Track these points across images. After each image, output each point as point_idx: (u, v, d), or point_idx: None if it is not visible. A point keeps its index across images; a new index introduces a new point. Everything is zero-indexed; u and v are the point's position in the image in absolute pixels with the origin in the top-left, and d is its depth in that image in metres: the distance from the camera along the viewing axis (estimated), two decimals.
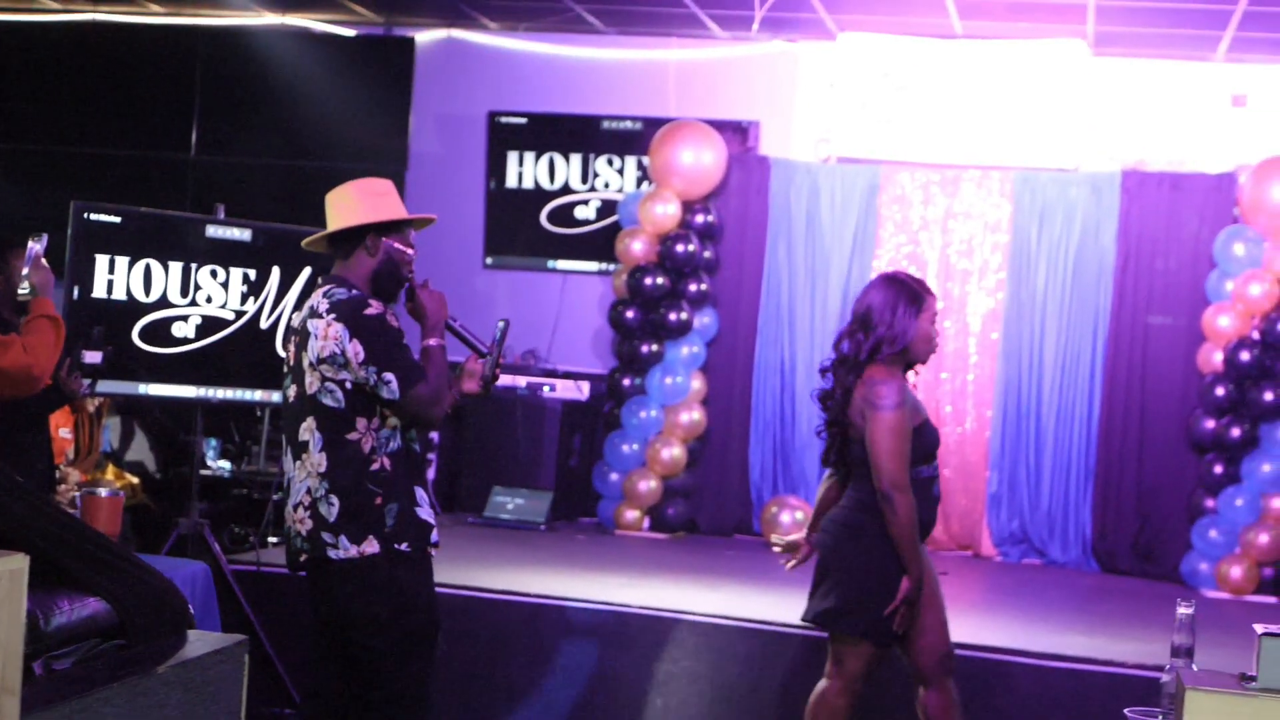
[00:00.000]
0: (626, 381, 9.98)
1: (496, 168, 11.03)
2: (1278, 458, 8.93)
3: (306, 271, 7.41)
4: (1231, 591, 8.75)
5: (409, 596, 4.58)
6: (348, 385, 4.50)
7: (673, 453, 9.90)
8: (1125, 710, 3.38)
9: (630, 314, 9.97)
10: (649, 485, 9.86)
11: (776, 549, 5.56)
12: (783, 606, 7.25)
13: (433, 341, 4.66)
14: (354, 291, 4.59)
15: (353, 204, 4.69)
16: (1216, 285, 9.11)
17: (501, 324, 4.87)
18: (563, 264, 10.92)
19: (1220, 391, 9.02)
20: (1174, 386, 9.40)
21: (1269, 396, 8.92)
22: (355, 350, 4.47)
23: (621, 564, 8.37)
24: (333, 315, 4.51)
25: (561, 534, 9.67)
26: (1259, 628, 2.33)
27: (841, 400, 5.06)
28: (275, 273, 7.37)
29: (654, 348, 9.93)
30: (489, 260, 11.06)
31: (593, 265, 10.83)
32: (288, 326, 4.79)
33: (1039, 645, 6.66)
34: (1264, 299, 8.92)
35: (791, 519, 9.48)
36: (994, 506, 9.80)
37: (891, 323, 4.98)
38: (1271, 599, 8.71)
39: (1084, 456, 9.63)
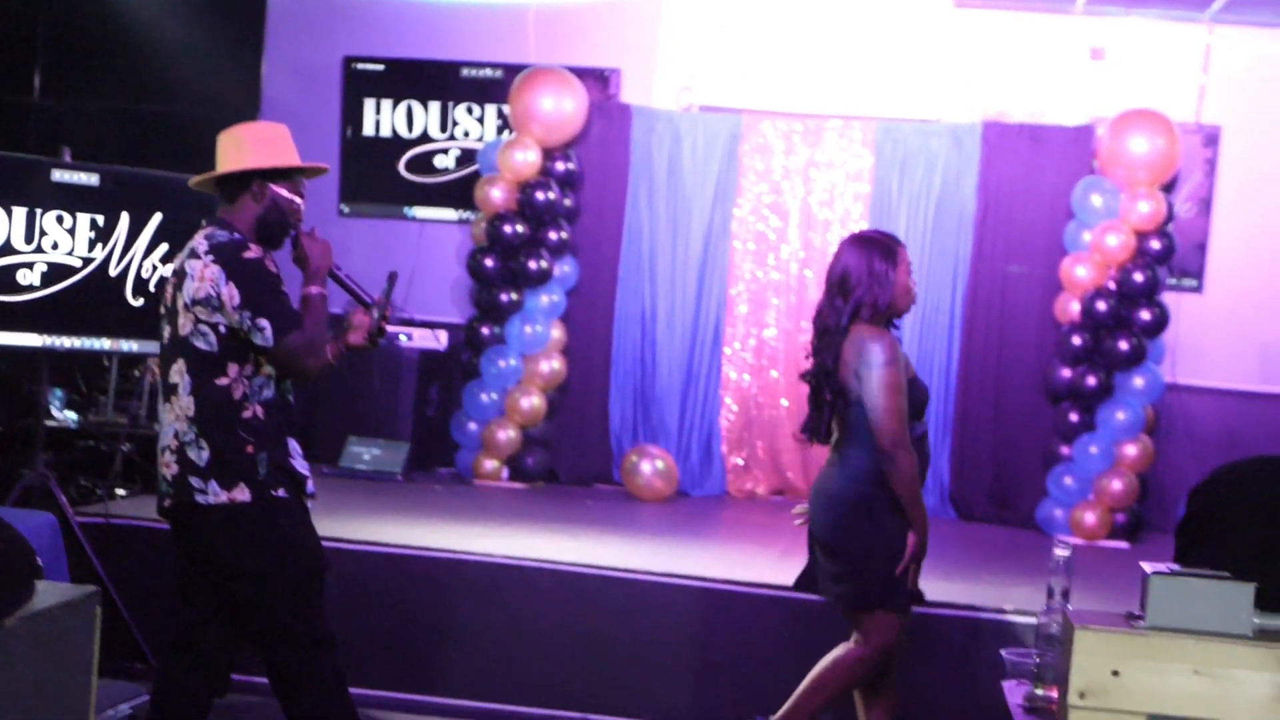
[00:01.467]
0: (485, 330, 9.85)
1: (353, 115, 10.79)
2: (1132, 406, 9.05)
3: (157, 218, 7.20)
4: (1085, 537, 8.85)
5: (291, 542, 4.50)
6: (221, 329, 4.39)
7: (532, 402, 9.79)
8: (1001, 651, 3.36)
9: (489, 262, 9.83)
10: (508, 435, 9.75)
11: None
12: (645, 555, 7.23)
13: (314, 290, 4.56)
14: (236, 235, 4.48)
15: (243, 148, 4.58)
16: (1074, 236, 9.18)
17: (390, 276, 4.76)
18: (421, 212, 10.72)
19: (1077, 341, 9.11)
20: (1031, 336, 9.47)
21: (1124, 346, 9.02)
22: (230, 293, 4.36)
23: (481, 514, 8.26)
24: (211, 257, 4.41)
25: (419, 484, 9.53)
26: (1147, 566, 2.30)
27: (833, 368, 5.01)
28: (124, 218, 7.15)
29: (513, 296, 9.80)
30: (345, 208, 10.83)
31: (451, 213, 10.65)
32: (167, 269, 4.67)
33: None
34: (1120, 250, 9.00)
35: (652, 468, 9.44)
36: None
37: (870, 283, 4.96)
38: (1124, 544, 8.83)
39: (942, 405, 9.68)
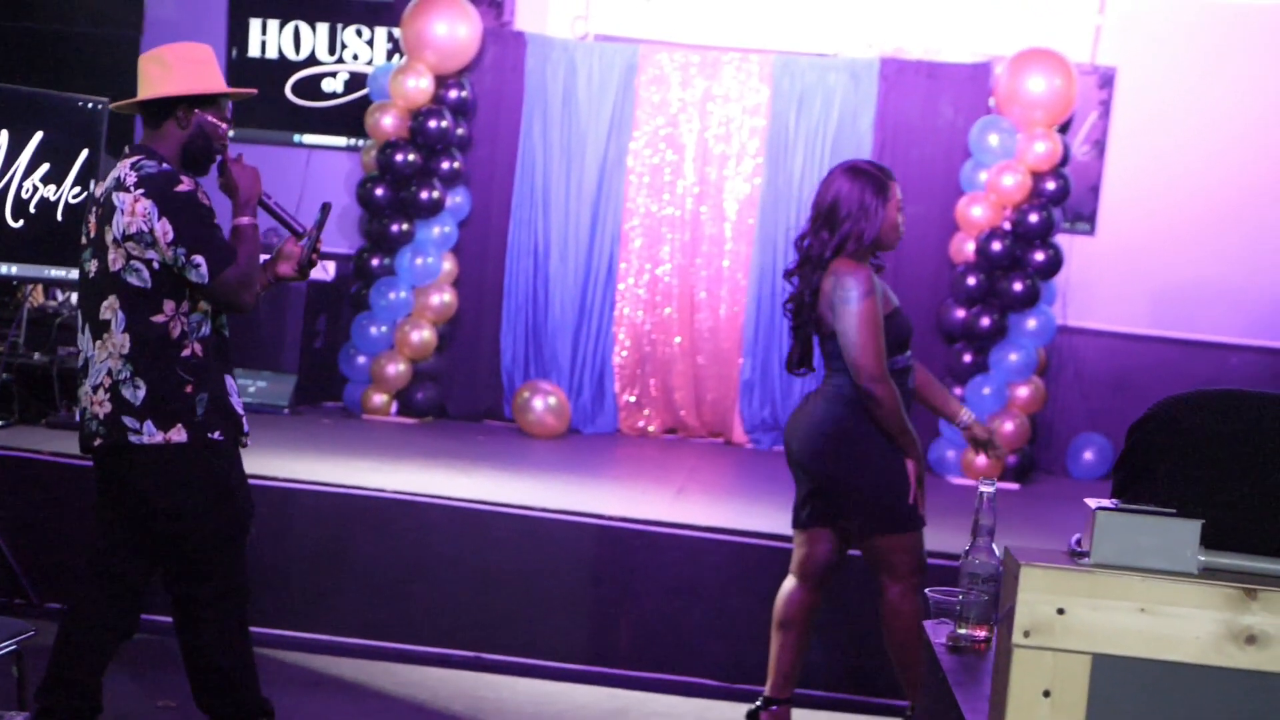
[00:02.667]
0: (375, 262, 9.65)
1: (238, 36, 10.50)
2: (1024, 348, 9.07)
3: (38, 136, 6.94)
4: (976, 478, 8.82)
5: (224, 486, 4.40)
6: (155, 265, 4.25)
7: (422, 335, 9.63)
8: (925, 590, 3.29)
9: (379, 192, 9.62)
10: (397, 369, 9.59)
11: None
12: (538, 491, 7.13)
13: (244, 220, 4.42)
14: (164, 165, 4.33)
15: (168, 71, 4.41)
16: (970, 175, 9.16)
17: (324, 206, 4.62)
18: (308, 138, 10.47)
19: (971, 281, 9.10)
20: (926, 276, 9.44)
21: (1018, 287, 9.03)
22: (164, 229, 4.21)
23: (370, 448, 8.11)
24: (141, 190, 4.25)
25: (306, 418, 9.35)
26: (1092, 502, 2.22)
27: (811, 300, 4.92)
28: (4, 136, 6.88)
29: (404, 227, 9.61)
30: (229, 133, 10.52)
31: (340, 140, 10.42)
32: (89, 196, 4.48)
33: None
34: (1016, 190, 9.00)
35: (544, 404, 9.33)
36: (746, 393, 9.76)
37: (859, 216, 4.87)
38: (1014, 486, 8.87)
39: None
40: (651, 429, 9.86)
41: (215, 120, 4.48)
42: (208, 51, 4.58)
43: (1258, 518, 2.37)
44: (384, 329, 9.64)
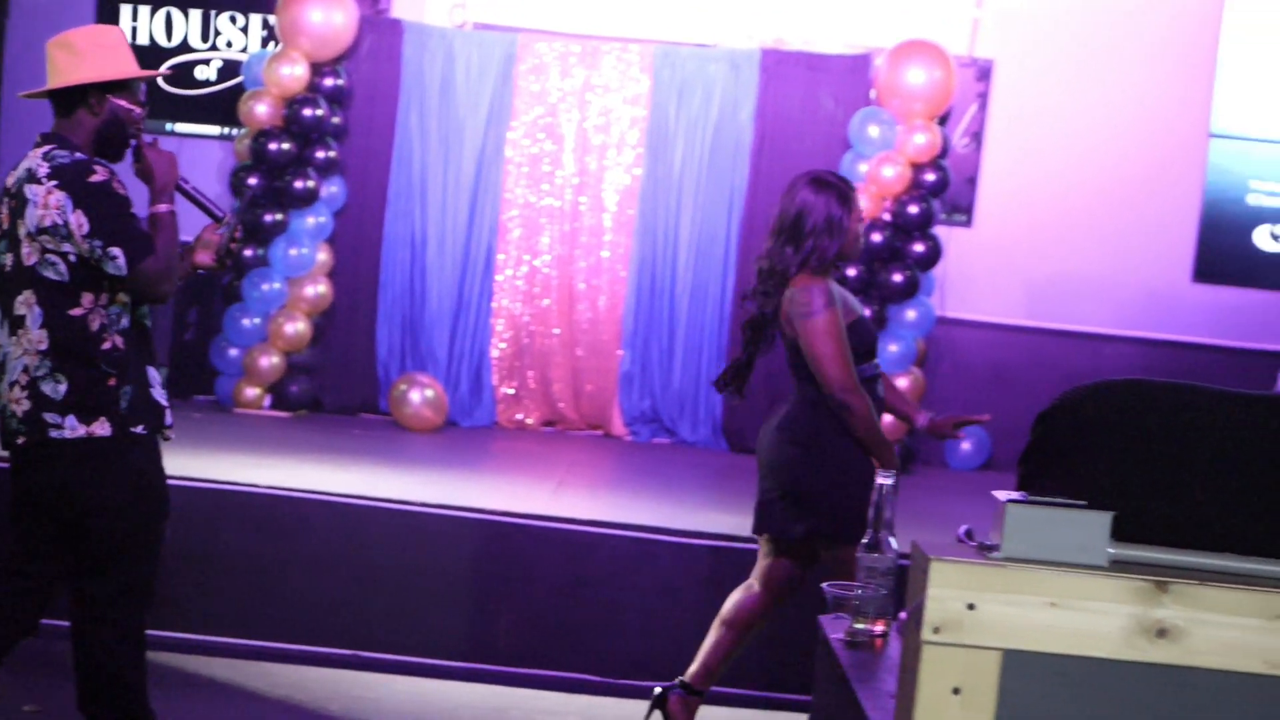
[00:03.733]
0: (248, 252, 9.44)
1: (107, 20, 10.20)
2: (904, 339, 9.09)
3: None
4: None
5: (145, 481, 4.27)
6: (71, 258, 4.09)
7: (296, 327, 9.44)
8: (823, 585, 3.23)
9: (253, 181, 9.42)
10: (271, 361, 9.40)
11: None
12: (416, 485, 7.00)
13: (162, 207, 4.25)
14: (77, 154, 4.16)
15: (77, 57, 4.23)
16: (850, 167, 9.16)
17: (246, 190, 4.46)
18: (181, 127, 10.22)
19: (851, 272, 9.07)
20: None
21: (898, 278, 9.05)
22: (79, 222, 4.05)
23: (243, 443, 7.93)
24: (54, 182, 4.09)
25: (177, 412, 8.91)
26: (1001, 495, 2.17)
27: (773, 315, 4.83)
28: None
29: (278, 217, 9.41)
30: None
31: (213, 129, 10.18)
32: (2, 188, 4.29)
33: (678, 524, 6.59)
34: (896, 181, 9.02)
35: (421, 397, 9.19)
36: (626, 386, 9.70)
37: (825, 230, 4.75)
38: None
39: (716, 336, 9.61)
40: (530, 422, 9.75)
41: (129, 105, 4.31)
42: (118, 35, 4.43)
43: (1168, 509, 2.33)
44: (257, 321, 9.44)
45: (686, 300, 9.66)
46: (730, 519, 6.75)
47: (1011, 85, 9.85)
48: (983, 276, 9.87)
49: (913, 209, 9.06)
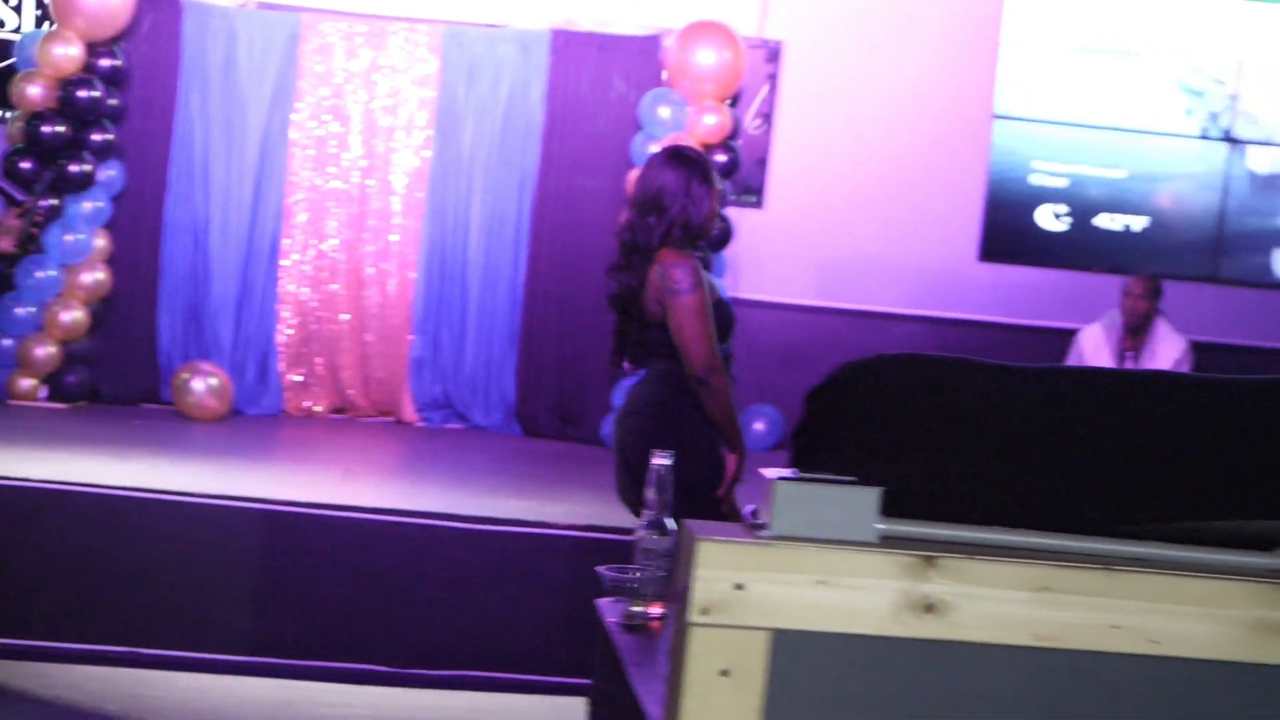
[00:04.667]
0: None
1: None
2: None
3: None
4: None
5: None
6: None
7: (73, 316, 9.13)
8: (598, 568, 3.16)
9: (26, 165, 9.03)
10: (46, 351, 9.06)
11: None
12: (199, 476, 6.82)
13: None
14: None
15: None
16: (641, 148, 9.11)
17: (47, 171, 4.22)
18: None
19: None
20: (598, 249, 9.32)
21: None
22: None
23: (16, 436, 7.65)
24: None
25: None
26: (769, 472, 2.11)
27: (639, 289, 4.71)
28: None
29: (53, 202, 9.07)
30: None
31: None
32: None
33: (468, 509, 6.50)
34: None
35: (205, 386, 8.94)
36: (416, 371, 9.56)
37: (686, 203, 4.67)
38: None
39: (508, 319, 9.52)
40: (319, 409, 9.56)
41: None
42: None
43: (939, 483, 2.30)
44: (32, 310, 9.09)
45: (478, 283, 9.55)
46: (522, 504, 6.70)
47: (801, 67, 9.90)
48: (773, 257, 9.91)
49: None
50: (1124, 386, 2.37)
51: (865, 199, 9.93)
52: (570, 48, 9.48)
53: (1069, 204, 10.43)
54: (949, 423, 2.32)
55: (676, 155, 4.89)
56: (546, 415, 9.51)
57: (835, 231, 9.92)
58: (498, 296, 9.53)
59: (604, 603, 3.09)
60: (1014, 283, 10.14)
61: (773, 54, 9.88)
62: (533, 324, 9.52)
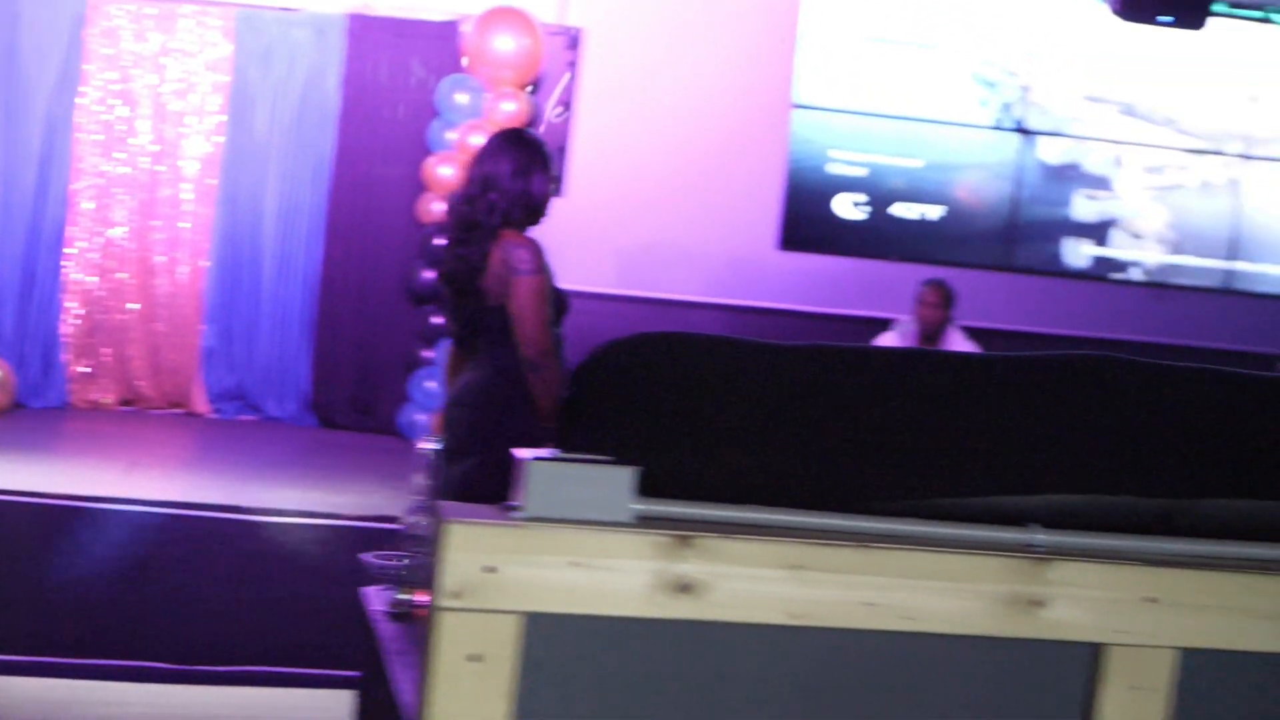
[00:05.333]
0: None
1: None
2: None
3: None
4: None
5: None
6: None
7: None
8: (361, 556, 3.08)
9: None
10: None
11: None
12: None
13: None
14: None
15: None
16: (438, 135, 9.01)
17: None
18: None
19: (440, 242, 8.94)
20: (396, 237, 9.25)
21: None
22: None
23: None
24: None
25: None
26: (523, 453, 2.06)
27: (480, 266, 4.60)
28: None
29: None
30: None
31: None
32: None
33: (255, 502, 6.36)
34: None
35: None
36: (208, 361, 9.34)
37: (526, 185, 4.67)
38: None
39: (303, 308, 9.34)
40: (107, 401, 9.28)
41: None
42: None
43: (699, 462, 2.26)
44: None
45: (272, 271, 9.36)
46: (312, 495, 6.57)
47: (601, 54, 9.86)
48: (574, 245, 9.84)
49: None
50: (882, 364, 2.36)
51: (665, 187, 9.93)
52: (367, 32, 9.34)
53: (867, 193, 10.55)
54: (709, 401, 2.28)
55: (515, 137, 4.90)
56: (343, 405, 9.36)
57: (636, 220, 9.91)
58: (292, 285, 9.36)
59: (370, 591, 3.02)
60: (813, 271, 10.22)
61: (573, 41, 9.82)
62: (329, 313, 9.36)
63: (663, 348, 2.38)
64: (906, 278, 9.57)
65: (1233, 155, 11.00)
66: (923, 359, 2.38)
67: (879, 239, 10.54)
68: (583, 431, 2.30)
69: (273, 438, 8.76)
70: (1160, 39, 10.32)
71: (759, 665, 2.10)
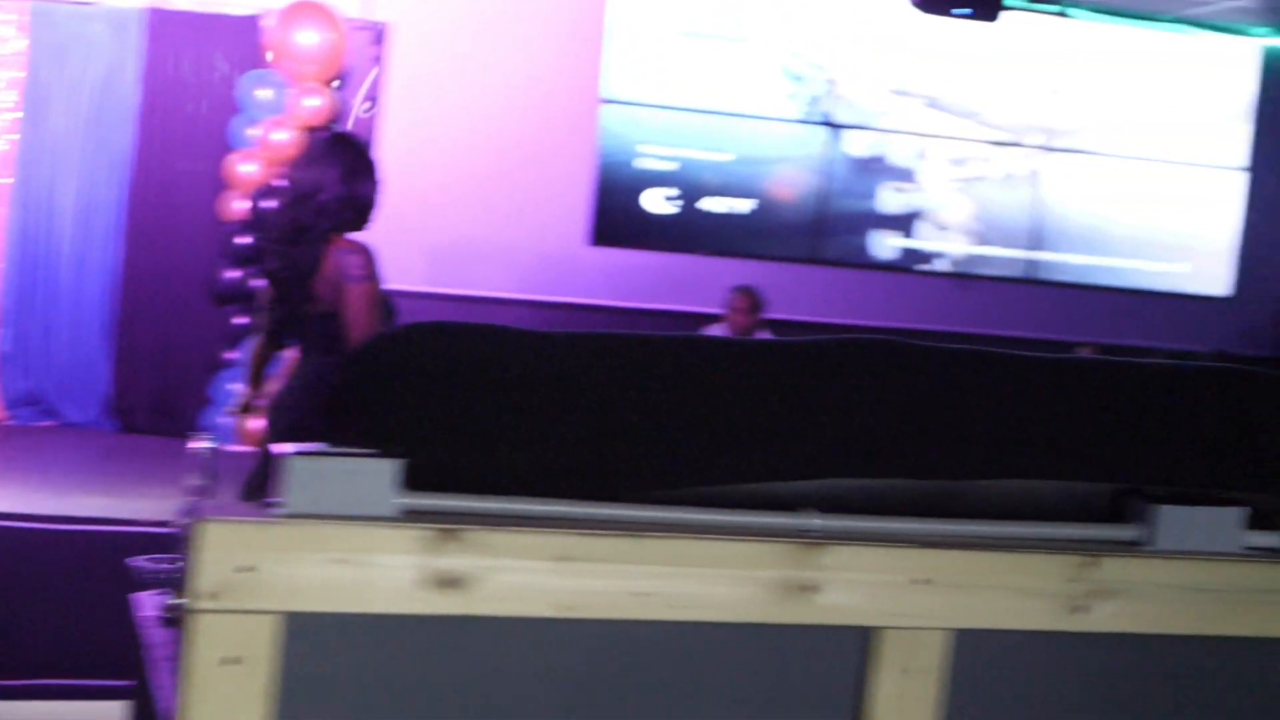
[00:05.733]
0: None
1: None
2: None
3: None
4: (254, 444, 8.57)
5: None
6: None
7: None
8: (129, 561, 2.99)
9: None
10: None
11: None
12: None
13: None
14: None
15: None
16: (240, 131, 8.84)
17: None
18: None
19: (243, 241, 8.77)
20: (197, 235, 9.04)
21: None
22: None
23: None
24: None
25: None
26: (281, 448, 2.00)
27: (309, 271, 4.58)
28: None
29: None
30: None
31: None
32: None
33: (47, 509, 6.17)
34: (289, 145, 8.74)
35: None
36: (4, 366, 9.06)
37: (353, 190, 4.69)
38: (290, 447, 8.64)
39: (103, 310, 9.10)
40: None
41: None
42: None
43: (470, 453, 2.21)
44: None
45: (70, 273, 9.10)
46: (107, 501, 6.41)
47: (408, 49, 9.74)
48: (381, 242, 9.65)
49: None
50: (655, 351, 2.32)
51: (475, 183, 9.86)
52: (167, 27, 9.12)
53: (679, 187, 10.57)
54: (478, 391, 2.23)
55: (344, 141, 4.96)
56: (145, 409, 9.14)
57: (445, 216, 9.83)
58: (91, 285, 9.11)
59: (140, 596, 2.92)
60: (624, 266, 10.22)
61: (378, 36, 9.69)
62: (129, 314, 9.13)
63: (430, 338, 2.33)
64: (717, 272, 9.64)
65: (1034, 147, 11.23)
66: (697, 345, 2.35)
67: (690, 233, 10.58)
68: (350, 425, 2.24)
69: (71, 443, 8.52)
70: (964, 33, 10.49)
71: (528, 660, 2.06)
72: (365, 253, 4.75)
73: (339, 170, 4.76)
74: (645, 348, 2.33)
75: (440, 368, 2.25)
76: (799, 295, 10.06)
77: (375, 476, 2.03)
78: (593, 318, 9.84)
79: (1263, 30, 11.38)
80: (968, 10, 9.64)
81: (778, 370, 2.29)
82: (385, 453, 2.06)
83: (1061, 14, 11.07)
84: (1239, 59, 11.46)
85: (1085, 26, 11.15)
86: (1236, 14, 11.01)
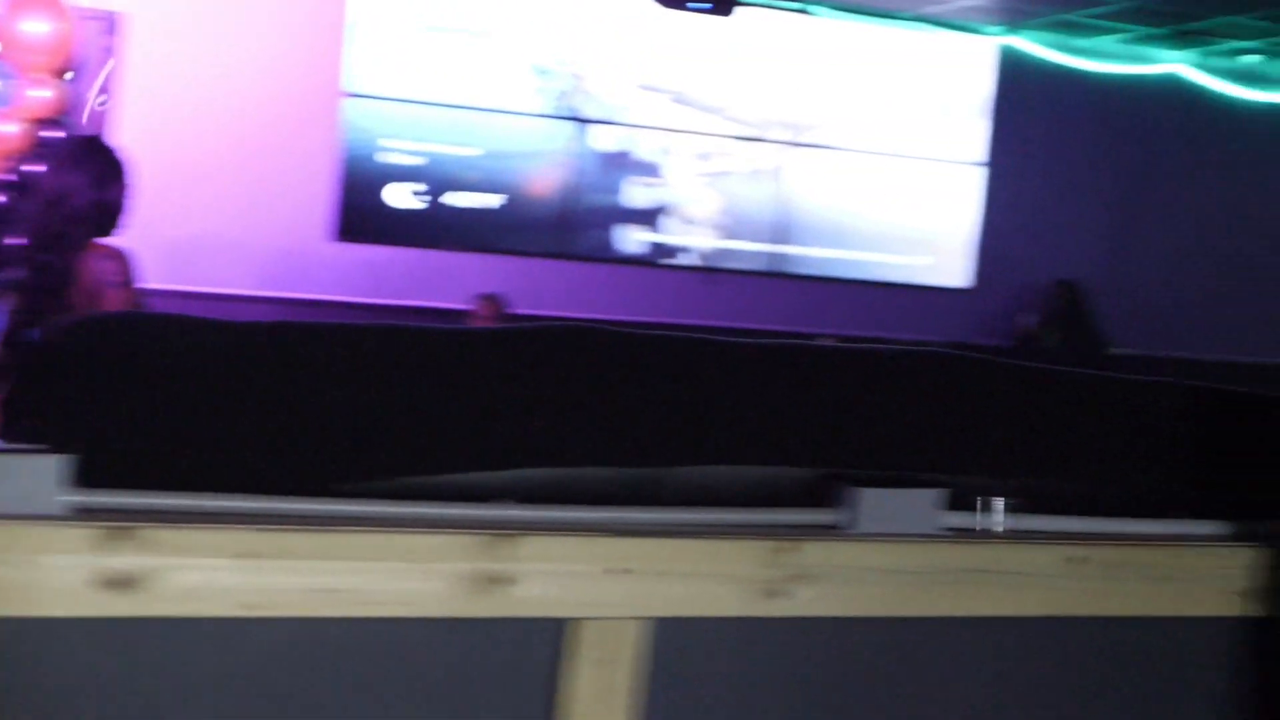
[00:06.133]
0: None
1: None
2: None
3: None
4: None
5: None
6: None
7: None
8: None
9: None
10: None
11: None
12: None
13: None
14: None
15: None
16: None
17: None
18: None
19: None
20: None
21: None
22: None
23: None
24: None
25: None
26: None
27: (66, 279, 4.46)
28: None
29: None
30: None
31: None
32: None
33: None
34: (17, 139, 8.44)
35: None
36: None
37: (103, 195, 4.64)
38: None
39: None
40: None
41: None
42: None
43: (147, 448, 2.11)
44: None
45: None
46: None
47: (143, 40, 9.49)
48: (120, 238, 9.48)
49: (40, 168, 8.53)
50: (349, 341, 2.25)
51: (214, 178, 9.65)
52: None
53: (425, 182, 10.47)
54: (160, 384, 2.14)
55: (94, 146, 5.01)
56: None
57: (183, 212, 9.58)
58: None
59: None
60: (370, 261, 10.10)
61: (111, 26, 9.41)
62: None
63: (111, 329, 2.24)
64: (465, 267, 9.58)
65: (778, 142, 11.38)
66: (390, 334, 2.29)
67: (437, 228, 10.48)
68: (26, 421, 2.13)
69: None
70: (710, 28, 10.58)
71: (210, 661, 1.98)
72: (122, 258, 4.74)
73: (88, 176, 4.72)
74: (340, 337, 2.26)
75: (119, 359, 2.16)
76: (547, 290, 10.05)
77: (39, 473, 1.93)
78: (336, 314, 9.67)
79: (998, 29, 11.70)
80: (707, 5, 9.72)
81: (473, 359, 2.25)
82: (55, 448, 1.96)
83: (803, 11, 11.24)
84: (976, 57, 11.76)
85: (827, 24, 11.34)
86: (973, 13, 11.29)
